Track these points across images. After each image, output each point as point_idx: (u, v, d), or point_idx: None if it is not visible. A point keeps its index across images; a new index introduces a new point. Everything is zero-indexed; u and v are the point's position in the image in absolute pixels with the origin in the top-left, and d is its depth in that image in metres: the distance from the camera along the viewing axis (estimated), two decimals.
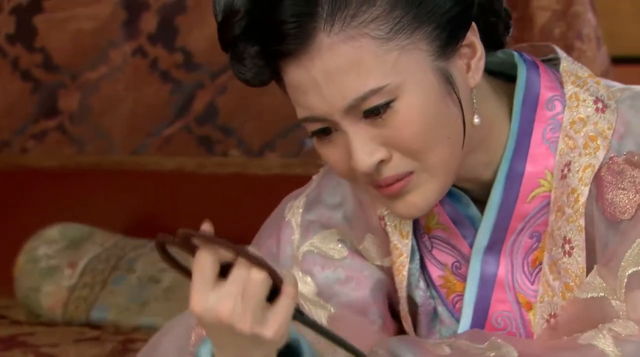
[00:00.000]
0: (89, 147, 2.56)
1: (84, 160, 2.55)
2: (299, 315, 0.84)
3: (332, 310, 0.99)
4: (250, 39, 0.88)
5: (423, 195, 0.91)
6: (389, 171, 0.89)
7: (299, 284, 0.86)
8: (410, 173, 0.89)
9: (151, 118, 2.50)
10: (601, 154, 0.91)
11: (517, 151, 0.94)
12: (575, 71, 0.95)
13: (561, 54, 0.97)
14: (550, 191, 0.93)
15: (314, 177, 1.06)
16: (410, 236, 0.99)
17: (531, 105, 0.94)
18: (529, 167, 0.94)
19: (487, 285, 0.97)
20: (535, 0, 1.85)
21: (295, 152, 2.40)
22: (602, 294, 0.89)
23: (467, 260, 0.98)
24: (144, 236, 2.36)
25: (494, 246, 0.96)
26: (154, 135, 2.51)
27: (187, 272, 0.84)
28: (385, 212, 1.00)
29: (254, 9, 0.88)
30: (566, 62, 0.96)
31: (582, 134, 0.92)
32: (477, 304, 0.98)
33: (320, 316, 0.99)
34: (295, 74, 0.87)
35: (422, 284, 1.01)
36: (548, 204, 0.93)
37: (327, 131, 0.89)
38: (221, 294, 0.81)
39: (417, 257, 1.00)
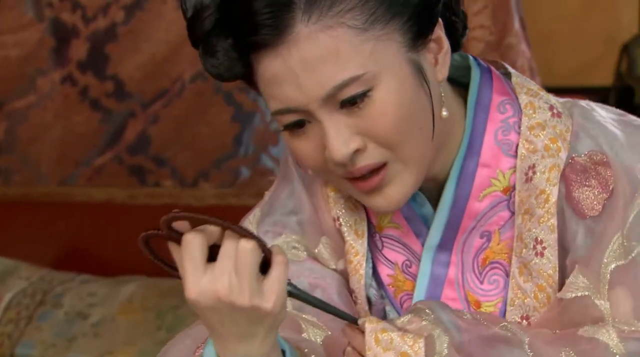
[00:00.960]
0: (16, 178, 2.52)
1: (11, 191, 2.50)
2: (291, 286, 0.85)
3: (311, 319, 0.99)
4: (222, 32, 0.88)
5: (400, 187, 0.92)
6: (363, 161, 0.90)
7: None
8: (384, 164, 0.90)
9: (81, 148, 2.46)
10: (563, 155, 0.94)
11: (470, 151, 0.96)
12: (527, 84, 0.99)
13: (511, 69, 1.01)
14: (501, 190, 0.96)
15: (266, 192, 1.08)
16: (366, 235, 1.01)
17: (484, 107, 0.97)
18: (481, 167, 0.96)
19: (437, 283, 0.99)
20: (469, 31, 1.85)
21: (229, 182, 2.38)
22: (586, 293, 0.91)
23: (418, 258, 1.00)
24: (73, 269, 2.31)
25: (446, 245, 0.98)
26: (83, 166, 2.47)
27: (173, 268, 0.84)
28: (340, 213, 1.02)
29: (225, 2, 0.88)
30: (517, 76, 1.00)
31: (542, 137, 0.94)
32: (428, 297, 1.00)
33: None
34: (272, 64, 0.87)
35: (374, 283, 1.03)
36: (499, 203, 0.96)
37: (300, 124, 0.90)
38: (215, 272, 0.81)
39: (370, 256, 1.02)
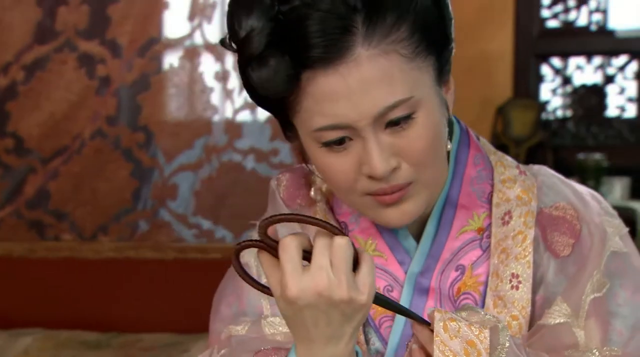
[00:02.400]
0: None
1: None
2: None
3: None
4: (279, 48, 0.94)
5: (416, 204, 0.99)
6: (396, 180, 0.97)
7: (271, 330, 0.98)
8: (410, 183, 0.98)
9: None
10: (534, 204, 1.07)
11: (451, 193, 1.07)
12: (490, 147, 1.12)
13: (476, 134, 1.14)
14: (475, 229, 1.06)
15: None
16: None
17: (463, 157, 1.09)
18: (459, 208, 1.07)
19: (417, 308, 1.06)
20: None
21: (128, 236, 2.40)
22: (568, 320, 1.02)
23: (400, 284, 1.06)
24: None
25: (426, 273, 1.06)
26: None
27: (262, 286, 0.89)
28: None
29: (286, 23, 0.94)
30: (482, 139, 1.12)
31: (514, 189, 1.08)
32: (406, 326, 1.05)
33: None
34: (328, 82, 0.94)
35: None
36: (472, 241, 1.06)
37: (342, 141, 0.96)
38: (313, 269, 0.86)
39: None
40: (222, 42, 1.00)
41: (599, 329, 1.03)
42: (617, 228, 1.10)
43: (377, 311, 1.06)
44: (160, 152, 2.37)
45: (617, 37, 4.24)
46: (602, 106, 4.31)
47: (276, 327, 1.01)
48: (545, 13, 4.34)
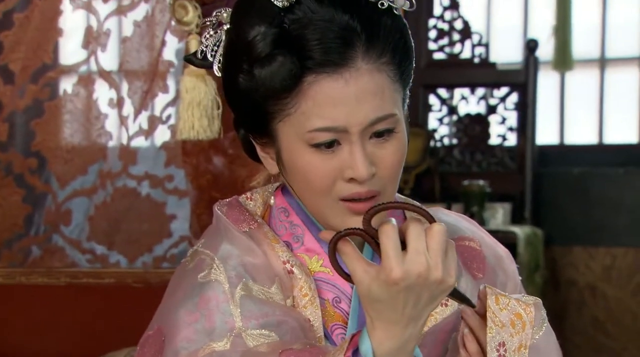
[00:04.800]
0: None
1: None
2: None
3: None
4: (289, 49, 1.05)
5: (377, 218, 1.06)
6: (370, 186, 1.08)
7: (254, 342, 1.04)
8: (378, 193, 1.09)
9: None
10: None
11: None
12: None
13: None
14: None
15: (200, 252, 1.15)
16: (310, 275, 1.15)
17: None
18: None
19: (364, 317, 1.09)
20: None
21: (20, 261, 2.38)
22: None
23: (347, 296, 1.15)
24: None
25: None
26: None
27: (346, 274, 1.00)
28: (289, 258, 1.14)
29: (303, 26, 1.05)
30: None
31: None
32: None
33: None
34: (333, 86, 1.06)
35: None
36: None
37: (331, 143, 1.07)
38: (412, 254, 0.96)
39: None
40: (188, 59, 1.14)
41: None
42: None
43: (329, 319, 1.14)
44: (54, 177, 2.37)
45: (498, 69, 4.43)
46: (486, 135, 4.49)
47: (257, 339, 1.07)
48: (432, 45, 4.51)
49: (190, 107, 1.88)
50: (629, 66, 4.55)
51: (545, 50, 4.38)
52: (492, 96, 4.49)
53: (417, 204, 1.07)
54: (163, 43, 2.21)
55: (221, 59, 1.14)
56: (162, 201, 2.32)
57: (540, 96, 4.37)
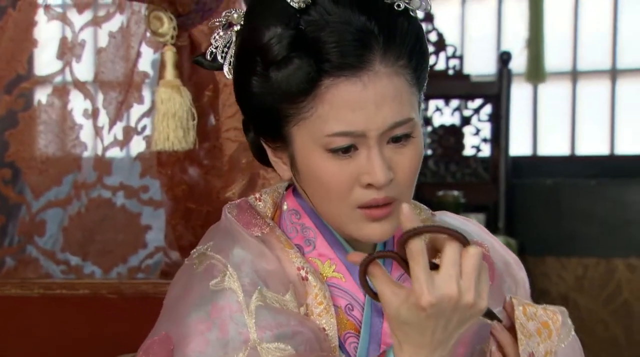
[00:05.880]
0: None
1: None
2: None
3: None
4: (306, 52, 1.02)
5: (392, 224, 1.08)
6: (387, 192, 1.06)
7: (273, 354, 1.00)
8: (395, 200, 1.06)
9: None
10: None
11: None
12: None
13: None
14: None
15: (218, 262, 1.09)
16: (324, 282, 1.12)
17: None
18: (397, 235, 1.11)
19: (375, 328, 1.12)
20: (224, 132, 2.00)
21: None
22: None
23: (360, 303, 1.12)
24: None
25: None
26: None
27: (374, 294, 0.98)
28: (303, 263, 1.11)
29: (322, 28, 1.02)
30: None
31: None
32: (371, 343, 1.12)
33: None
34: (351, 90, 1.03)
35: None
36: None
37: (348, 148, 1.05)
38: (444, 278, 0.94)
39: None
40: (197, 60, 1.11)
41: None
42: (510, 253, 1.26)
43: (341, 327, 1.12)
44: (28, 188, 2.36)
45: (472, 81, 4.46)
46: (460, 146, 4.52)
47: (273, 353, 1.03)
48: None
49: (166, 118, 1.88)
50: (600, 78, 4.61)
51: (518, 63, 4.43)
52: (466, 107, 4.52)
53: (452, 227, 1.02)
54: (138, 54, 2.21)
55: (232, 60, 1.11)
56: (137, 211, 2.32)
57: (513, 108, 4.41)
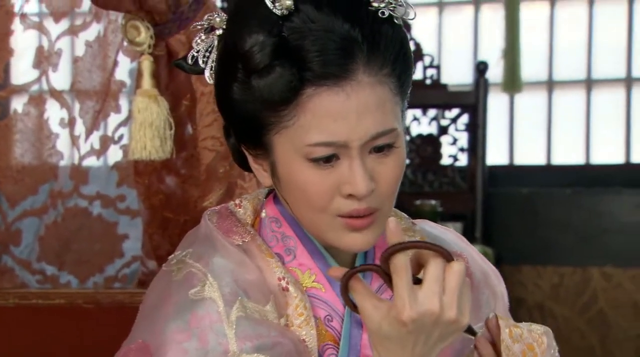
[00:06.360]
0: None
1: None
2: None
3: None
4: (288, 60, 1.00)
5: (376, 233, 1.07)
6: (369, 202, 1.05)
7: None
8: (377, 210, 1.06)
9: None
10: None
11: None
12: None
13: None
14: None
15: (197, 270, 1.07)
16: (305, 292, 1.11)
17: None
18: (377, 246, 1.13)
19: (355, 340, 1.11)
20: (201, 141, 1.99)
21: None
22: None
23: (339, 314, 1.11)
24: None
25: None
26: None
27: (354, 307, 0.98)
28: (284, 274, 1.10)
29: (304, 37, 1.00)
30: None
31: (414, 238, 1.18)
32: (350, 355, 1.11)
33: None
34: (333, 99, 1.01)
35: None
36: None
37: (330, 158, 1.04)
38: (427, 294, 0.94)
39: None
40: (178, 64, 1.09)
41: None
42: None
43: (320, 338, 1.11)
44: (4, 197, 2.35)
45: (449, 91, 4.49)
46: (437, 155, 4.54)
47: None
48: None
49: (143, 127, 1.88)
50: (576, 88, 4.64)
51: (495, 73, 4.46)
52: (443, 117, 4.54)
53: (436, 243, 1.02)
54: (115, 63, 2.21)
55: (213, 65, 1.10)
56: (114, 220, 2.31)
57: (490, 117, 4.44)
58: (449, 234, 1.25)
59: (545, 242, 4.36)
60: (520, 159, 4.69)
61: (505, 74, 4.45)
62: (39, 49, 2.30)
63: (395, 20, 1.05)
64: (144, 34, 1.90)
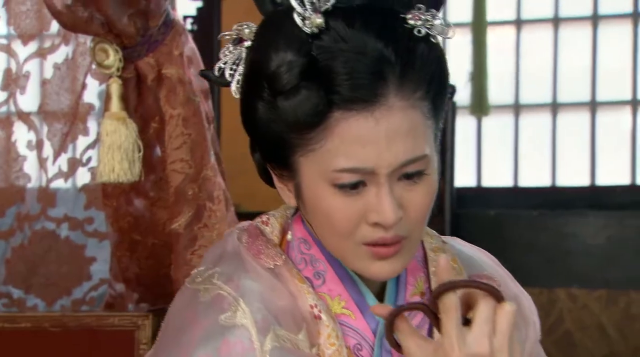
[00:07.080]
0: None
1: None
2: None
3: None
4: (315, 82, 0.95)
5: (404, 261, 1.03)
6: (397, 231, 1.00)
7: None
8: (405, 238, 1.01)
9: None
10: (465, 274, 1.14)
11: None
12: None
13: None
14: (419, 292, 1.10)
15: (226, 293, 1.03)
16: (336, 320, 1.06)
17: None
18: (408, 271, 1.10)
19: None
20: (170, 164, 1.99)
21: None
22: None
23: (369, 342, 1.06)
24: None
25: None
26: None
27: (398, 346, 0.94)
28: (316, 301, 1.04)
29: (335, 59, 0.95)
30: None
31: (444, 257, 1.07)
32: None
33: None
34: (362, 124, 0.96)
35: None
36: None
37: (357, 185, 0.99)
38: (477, 336, 0.91)
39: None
40: (204, 74, 1.04)
41: None
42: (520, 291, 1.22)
43: None
44: None
45: None
46: None
47: None
48: None
49: (111, 150, 1.88)
50: (542, 112, 4.70)
51: (463, 96, 4.50)
52: None
53: (487, 282, 0.99)
54: (84, 86, 2.21)
55: (240, 79, 1.04)
56: (82, 243, 2.30)
57: (458, 140, 4.47)
58: (483, 256, 1.21)
59: (512, 263, 4.36)
60: (488, 181, 4.73)
61: (472, 97, 4.50)
62: (7, 71, 2.30)
63: (432, 39, 1.01)
64: (112, 57, 1.91)
